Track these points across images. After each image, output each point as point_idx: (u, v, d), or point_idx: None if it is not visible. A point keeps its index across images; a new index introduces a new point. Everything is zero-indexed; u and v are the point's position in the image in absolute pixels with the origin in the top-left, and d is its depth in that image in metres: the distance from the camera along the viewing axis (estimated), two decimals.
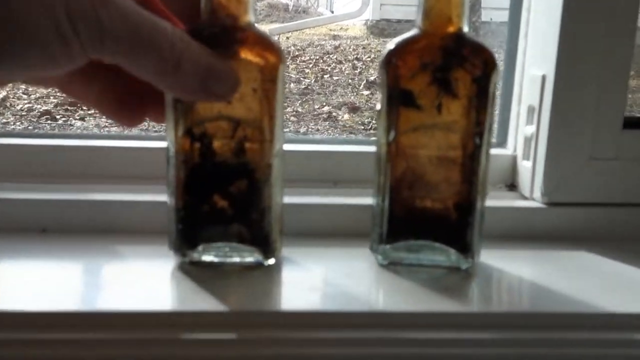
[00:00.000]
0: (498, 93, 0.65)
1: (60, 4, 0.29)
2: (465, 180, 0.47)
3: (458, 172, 0.47)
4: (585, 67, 0.54)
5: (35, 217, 0.54)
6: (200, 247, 0.46)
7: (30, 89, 3.10)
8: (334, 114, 2.88)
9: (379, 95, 0.47)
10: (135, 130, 0.67)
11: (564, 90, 0.54)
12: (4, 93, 2.98)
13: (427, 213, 0.48)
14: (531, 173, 0.57)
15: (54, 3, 0.29)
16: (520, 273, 0.49)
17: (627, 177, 0.56)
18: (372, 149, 0.48)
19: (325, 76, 3.76)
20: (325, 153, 0.60)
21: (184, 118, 0.43)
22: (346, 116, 2.84)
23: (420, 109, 0.46)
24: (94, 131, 2.33)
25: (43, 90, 3.09)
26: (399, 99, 0.46)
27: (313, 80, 3.62)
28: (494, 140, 0.65)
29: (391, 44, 0.46)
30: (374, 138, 0.49)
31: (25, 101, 2.93)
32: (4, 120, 2.58)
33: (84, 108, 2.78)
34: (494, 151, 0.62)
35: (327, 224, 0.55)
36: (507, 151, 0.62)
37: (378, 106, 0.47)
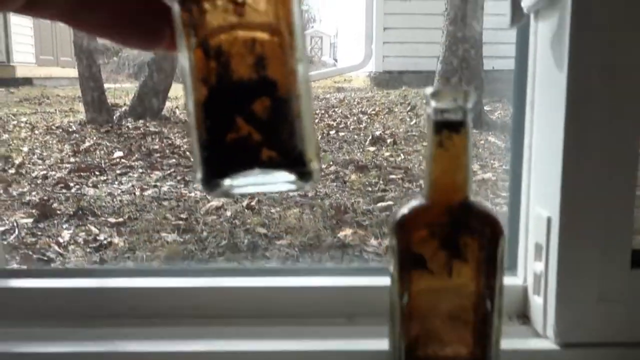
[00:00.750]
0: (505, 225, 0.66)
1: None
2: (479, 342, 0.48)
3: (471, 334, 0.48)
4: (589, 208, 0.55)
5: None
6: (230, 178, 0.40)
7: (44, 154, 3.16)
8: (341, 173, 2.91)
9: (391, 259, 0.48)
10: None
11: (570, 232, 0.55)
12: (20, 159, 3.04)
13: None
14: (543, 309, 0.58)
15: None
16: None
17: (638, 317, 0.57)
18: (386, 280, 0.49)
19: (331, 132, 3.81)
20: (338, 288, 0.62)
21: (195, 31, 0.38)
22: (353, 176, 2.86)
23: (432, 272, 0.47)
24: (106, 201, 2.36)
25: (57, 155, 3.14)
26: (410, 262, 0.47)
27: (319, 137, 3.66)
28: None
29: (401, 211, 0.48)
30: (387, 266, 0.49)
31: (41, 167, 2.98)
32: (21, 190, 2.63)
33: (97, 174, 2.82)
34: (504, 280, 0.63)
35: None
36: (518, 280, 0.64)
37: (391, 268, 0.49)
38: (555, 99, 0.55)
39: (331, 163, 3.03)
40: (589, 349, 0.56)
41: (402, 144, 3.45)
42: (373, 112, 4.26)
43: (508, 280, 0.64)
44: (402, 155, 3.22)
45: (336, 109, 4.46)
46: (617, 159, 0.55)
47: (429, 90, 0.46)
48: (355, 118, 4.10)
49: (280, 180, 0.39)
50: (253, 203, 2.27)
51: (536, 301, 0.60)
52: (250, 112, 0.39)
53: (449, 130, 0.46)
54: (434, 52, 4.11)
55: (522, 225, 0.63)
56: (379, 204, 2.26)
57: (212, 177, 0.41)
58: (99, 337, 0.59)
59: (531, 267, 0.61)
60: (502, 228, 0.47)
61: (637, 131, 0.56)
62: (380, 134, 3.64)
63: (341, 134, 3.74)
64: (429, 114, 0.47)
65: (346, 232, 1.96)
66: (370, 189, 2.56)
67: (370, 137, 3.53)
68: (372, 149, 3.33)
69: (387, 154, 3.24)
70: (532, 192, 0.61)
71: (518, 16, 0.57)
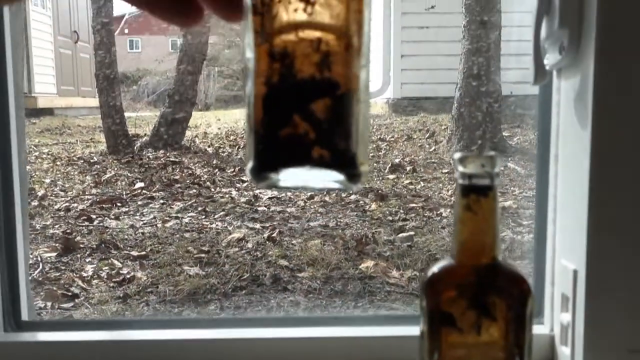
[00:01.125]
0: (531, 274, 0.67)
1: None
2: None
3: None
4: (615, 261, 0.56)
5: None
6: (280, 171, 0.39)
7: (66, 186, 3.20)
8: (361, 202, 2.92)
9: (420, 318, 0.50)
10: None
11: (597, 284, 0.56)
12: (42, 191, 3.09)
13: None
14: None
15: None
16: None
17: None
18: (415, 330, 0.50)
19: None
20: (365, 339, 0.63)
21: (264, 26, 0.38)
22: (373, 205, 2.87)
23: (461, 330, 0.48)
24: (128, 233, 2.39)
25: (79, 187, 3.19)
26: (440, 321, 0.48)
27: None
28: None
29: (430, 271, 0.49)
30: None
31: (63, 199, 3.03)
32: (43, 223, 2.67)
33: (119, 205, 2.86)
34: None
35: None
36: (545, 329, 0.64)
37: (421, 327, 0.50)
38: (580, 155, 0.56)
39: (350, 192, 3.04)
40: None
41: (422, 171, 3.45)
42: (392, 139, 4.27)
43: (535, 329, 0.64)
44: (421, 182, 3.22)
45: None
46: None
47: (457, 155, 0.48)
48: (374, 145, 4.12)
49: (328, 179, 0.40)
50: (274, 235, 2.28)
51: (563, 351, 0.61)
52: (309, 111, 0.39)
53: (476, 194, 0.47)
54: (452, 78, 4.13)
55: (548, 275, 0.63)
56: (400, 235, 2.26)
57: (262, 169, 0.41)
58: None
59: (558, 317, 0.61)
60: (530, 288, 0.48)
61: None
62: (400, 161, 3.66)
63: None
64: (456, 178, 0.48)
65: (368, 264, 1.96)
66: (390, 218, 2.57)
67: (389, 165, 3.54)
68: (391, 176, 3.34)
69: (406, 181, 3.24)
70: (557, 243, 0.62)
71: (541, 75, 0.58)
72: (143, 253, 2.13)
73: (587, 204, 0.56)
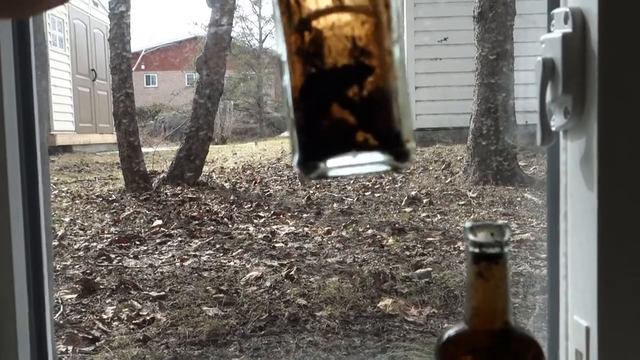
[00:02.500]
0: (546, 329, 0.68)
1: None
2: None
3: None
4: (627, 318, 0.57)
5: None
6: (327, 160, 0.40)
7: (85, 224, 3.25)
8: (378, 237, 2.92)
9: None
10: None
11: (609, 341, 0.57)
12: (62, 231, 3.13)
13: None
14: None
15: None
16: None
17: None
18: None
19: (367, 193, 3.85)
20: None
21: (292, 15, 0.39)
22: (390, 240, 2.87)
23: None
24: (147, 273, 2.41)
25: (98, 225, 3.23)
26: None
27: (355, 199, 3.70)
28: None
29: (444, 336, 0.51)
30: None
31: (82, 238, 3.07)
32: (64, 264, 2.70)
33: (137, 243, 2.89)
34: None
35: None
36: None
37: None
38: (588, 215, 0.58)
39: (367, 226, 3.05)
40: None
41: (438, 204, 3.46)
42: (408, 171, 4.29)
43: None
44: (438, 215, 3.22)
45: None
46: None
47: (468, 224, 0.50)
48: (390, 178, 4.14)
49: (377, 161, 0.40)
50: (292, 272, 2.30)
51: None
52: (346, 97, 0.39)
53: (487, 262, 0.49)
54: (466, 109, 4.15)
55: (562, 330, 0.64)
56: (418, 271, 2.26)
57: (309, 160, 0.41)
58: None
59: None
60: (543, 352, 0.49)
61: None
62: (416, 193, 3.67)
63: (377, 194, 3.77)
64: (467, 246, 0.50)
65: (386, 302, 1.96)
66: (408, 253, 2.57)
67: (406, 198, 3.55)
68: (408, 209, 3.35)
69: (423, 214, 3.25)
70: (570, 300, 0.63)
71: (548, 137, 0.60)
72: (162, 293, 2.15)
73: (596, 263, 0.57)
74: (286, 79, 0.40)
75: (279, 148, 5.71)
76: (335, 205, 3.59)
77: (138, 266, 2.51)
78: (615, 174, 0.56)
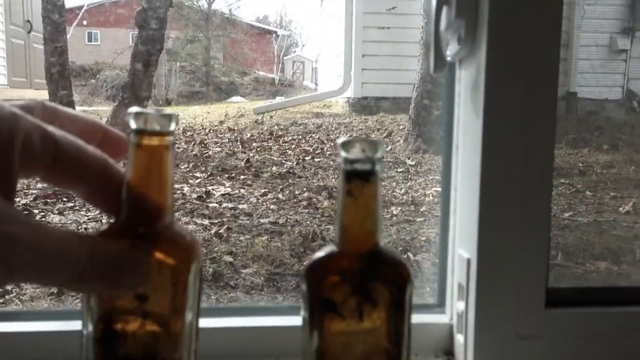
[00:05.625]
0: (434, 264, 0.67)
1: None
2: None
3: None
4: (505, 249, 0.57)
5: None
6: None
7: None
8: (314, 200, 2.91)
9: (302, 305, 0.49)
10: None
11: (487, 272, 0.57)
12: None
13: None
14: (464, 347, 0.60)
15: None
16: None
17: (554, 354, 0.58)
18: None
19: (307, 158, 3.83)
20: (266, 328, 0.62)
21: (97, 305, 0.43)
22: (326, 203, 2.87)
23: (343, 316, 0.48)
24: (72, 228, 2.34)
25: (24, 181, 3.12)
26: (321, 307, 0.48)
27: (295, 163, 3.67)
28: (434, 302, 0.68)
29: (313, 258, 0.49)
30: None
31: None
32: None
33: (64, 200, 2.80)
34: (432, 317, 0.64)
35: None
36: (445, 318, 0.65)
37: (302, 314, 0.49)
38: (474, 144, 0.57)
39: (304, 189, 3.03)
40: None
41: None
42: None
43: (436, 319, 0.65)
44: None
45: (313, 135, 4.48)
46: (531, 201, 0.57)
47: (339, 140, 0.48)
48: (332, 144, 4.12)
49: None
50: (221, 231, 2.27)
51: (459, 339, 0.61)
52: None
53: (358, 179, 0.47)
54: (411, 79, 4.17)
55: (450, 266, 0.64)
56: None
57: None
58: None
59: (455, 306, 0.62)
60: (411, 274, 0.48)
61: (550, 174, 0.58)
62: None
63: (317, 159, 3.75)
64: (339, 163, 0.48)
65: None
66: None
67: None
68: None
69: None
70: (457, 234, 0.62)
71: (440, 65, 0.59)
72: None
73: (478, 193, 0.56)
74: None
75: (222, 111, 5.62)
76: (274, 168, 3.56)
77: (62, 222, 2.43)
78: (501, 102, 0.55)
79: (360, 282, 0.48)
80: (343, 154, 0.47)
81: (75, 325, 0.51)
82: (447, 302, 0.65)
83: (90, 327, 0.44)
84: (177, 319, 0.44)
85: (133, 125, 0.43)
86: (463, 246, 0.60)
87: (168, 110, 0.44)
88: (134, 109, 0.44)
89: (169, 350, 0.44)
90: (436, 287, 0.68)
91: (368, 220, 0.48)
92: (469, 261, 0.58)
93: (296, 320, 0.63)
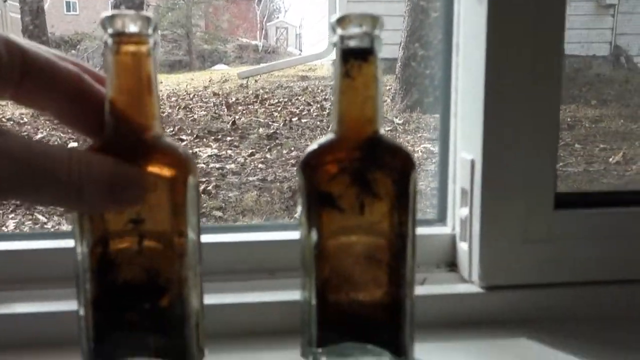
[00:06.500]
0: (435, 171, 0.64)
1: None
2: (393, 281, 0.46)
3: (385, 273, 0.46)
4: (512, 149, 0.54)
5: None
6: None
7: None
8: (301, 157, 2.88)
9: (299, 199, 0.46)
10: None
11: (493, 175, 0.54)
12: None
13: (357, 314, 0.47)
14: (468, 255, 0.57)
15: None
16: None
17: (562, 257, 0.56)
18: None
19: (294, 119, 3.78)
20: (261, 243, 0.59)
21: (90, 231, 0.41)
22: None
23: (342, 210, 0.45)
24: None
25: None
26: (319, 201, 0.45)
27: (282, 124, 3.62)
28: (434, 216, 0.65)
29: (309, 148, 0.46)
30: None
31: None
32: None
33: None
34: (434, 229, 0.62)
35: (259, 323, 0.53)
36: (447, 229, 0.62)
37: (299, 209, 0.46)
38: (477, 39, 0.53)
39: (292, 149, 3.00)
40: (514, 290, 0.55)
41: None
42: None
43: (437, 230, 0.62)
44: None
45: (299, 97, 4.43)
46: (539, 99, 0.54)
47: (334, 17, 0.44)
48: (318, 105, 4.07)
49: None
50: (210, 188, 2.23)
51: (462, 247, 0.59)
52: (140, 308, 0.43)
53: (355, 58, 0.43)
54: (397, 39, 4.11)
55: (451, 172, 0.61)
56: None
57: None
58: None
59: (458, 214, 0.59)
60: (414, 161, 0.44)
61: (559, 69, 0.54)
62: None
63: (304, 120, 3.70)
64: (334, 42, 0.44)
65: None
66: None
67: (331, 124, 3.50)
68: None
69: None
70: (458, 137, 0.59)
71: None
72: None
73: (483, 90, 0.53)
74: (80, 282, 0.43)
75: (207, 77, 5.54)
76: (261, 130, 3.51)
77: None
78: None
79: (359, 171, 0.44)
80: (339, 30, 0.43)
81: (70, 242, 0.48)
82: (449, 213, 0.62)
83: (85, 253, 0.42)
84: (178, 235, 0.42)
85: (109, 29, 0.39)
86: (466, 148, 0.57)
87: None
88: (108, 12, 0.40)
89: (173, 269, 0.42)
90: (436, 203, 0.65)
91: (367, 104, 0.44)
92: (472, 163, 0.55)
93: (291, 235, 0.60)
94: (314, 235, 0.45)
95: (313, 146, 0.46)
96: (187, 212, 0.42)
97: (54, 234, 0.64)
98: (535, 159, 0.54)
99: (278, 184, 2.32)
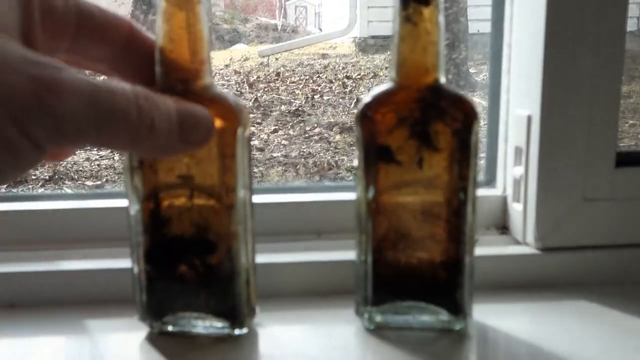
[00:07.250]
0: (484, 131, 0.62)
1: None
2: (452, 237, 0.44)
3: (444, 229, 0.44)
4: (572, 105, 0.51)
5: (3, 291, 0.51)
6: (167, 318, 0.44)
7: None
8: (325, 134, 2.86)
9: (356, 152, 0.44)
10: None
11: (552, 131, 0.51)
12: None
13: (413, 272, 0.45)
14: (523, 216, 0.55)
15: None
16: (518, 331, 0.46)
17: (623, 217, 0.53)
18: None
19: (316, 96, 3.75)
20: (308, 204, 0.58)
21: (142, 185, 0.42)
22: (338, 137, 2.82)
23: (400, 164, 0.43)
24: (84, 165, 2.31)
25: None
26: (376, 155, 0.43)
27: (304, 101, 3.60)
28: (482, 179, 0.63)
29: (366, 98, 0.44)
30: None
31: None
32: None
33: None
34: (483, 192, 0.60)
35: (309, 283, 0.52)
36: (497, 191, 0.60)
37: (355, 162, 0.44)
38: None
39: (315, 125, 2.98)
40: (571, 252, 0.53)
41: None
42: (358, 76, 4.20)
43: (487, 192, 0.60)
44: None
45: (321, 75, 4.39)
46: (602, 55, 0.51)
47: None
48: (340, 83, 4.03)
49: (212, 324, 0.44)
50: None
51: (515, 209, 0.56)
52: (191, 262, 0.43)
53: (417, 2, 0.41)
54: None
55: (502, 132, 0.59)
56: None
57: (149, 317, 0.45)
58: None
59: (511, 174, 0.57)
60: (477, 111, 0.42)
61: (623, 25, 0.52)
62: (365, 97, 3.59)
63: (326, 97, 3.68)
64: None
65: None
66: (354, 148, 2.52)
67: (355, 100, 3.47)
68: (356, 110, 3.28)
69: None
70: (512, 92, 0.57)
71: None
72: (99, 182, 2.06)
73: (543, 44, 0.51)
74: (133, 237, 0.44)
75: (227, 56, 5.52)
76: (283, 107, 3.50)
77: (74, 159, 2.39)
78: None
79: (420, 122, 0.42)
80: None
81: (122, 202, 0.47)
82: (499, 174, 0.60)
83: (137, 208, 0.42)
84: (227, 190, 0.41)
85: None
86: (521, 104, 0.55)
87: None
88: None
89: (223, 224, 0.42)
90: (484, 164, 0.63)
91: (429, 51, 0.42)
92: (529, 118, 0.53)
93: (337, 196, 0.59)
94: (371, 191, 0.44)
95: (371, 94, 0.44)
96: (237, 165, 0.41)
97: (106, 194, 0.63)
98: (596, 115, 0.52)
99: (303, 159, 2.31)
